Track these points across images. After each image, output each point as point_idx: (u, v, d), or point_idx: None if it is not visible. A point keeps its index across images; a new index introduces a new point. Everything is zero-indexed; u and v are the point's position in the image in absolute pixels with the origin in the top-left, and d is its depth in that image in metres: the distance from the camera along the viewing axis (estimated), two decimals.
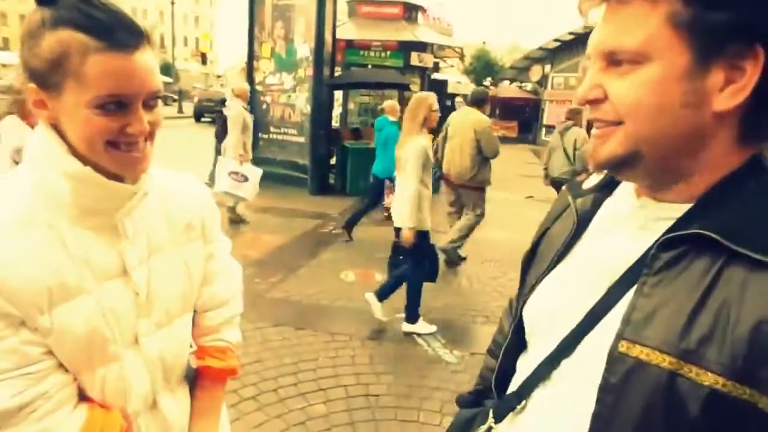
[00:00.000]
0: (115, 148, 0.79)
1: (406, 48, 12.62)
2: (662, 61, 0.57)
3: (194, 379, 1.07)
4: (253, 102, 9.31)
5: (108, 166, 0.81)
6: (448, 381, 3.23)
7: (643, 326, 0.58)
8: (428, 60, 13.57)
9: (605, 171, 0.74)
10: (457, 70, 26.12)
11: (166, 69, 33.49)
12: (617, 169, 0.67)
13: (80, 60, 0.73)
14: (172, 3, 32.52)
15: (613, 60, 0.61)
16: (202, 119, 23.34)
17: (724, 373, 0.52)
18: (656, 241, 0.61)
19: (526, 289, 0.83)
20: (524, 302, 0.81)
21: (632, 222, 0.68)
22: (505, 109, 26.55)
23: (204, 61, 37.70)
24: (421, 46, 12.94)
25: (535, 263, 0.85)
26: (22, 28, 0.77)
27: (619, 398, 0.59)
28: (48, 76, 0.75)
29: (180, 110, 29.15)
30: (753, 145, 0.61)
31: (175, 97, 32.11)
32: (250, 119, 6.37)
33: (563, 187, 0.88)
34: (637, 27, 0.58)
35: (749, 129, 0.59)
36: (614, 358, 0.59)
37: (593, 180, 0.81)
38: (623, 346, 0.59)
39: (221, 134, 6.95)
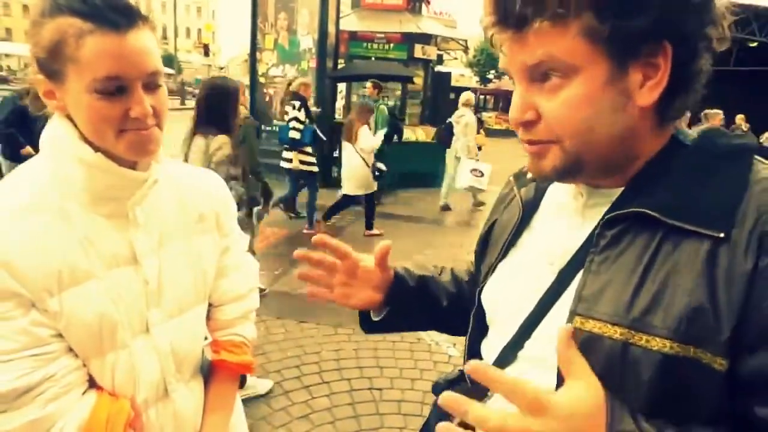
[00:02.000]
0: (125, 132, 0.80)
1: (409, 40, 12.52)
2: (586, 73, 0.60)
3: (209, 372, 1.07)
4: (255, 94, 9.30)
5: (118, 151, 0.82)
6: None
7: (593, 301, 0.62)
8: (432, 52, 13.48)
9: None
10: (461, 62, 26.00)
11: (169, 61, 33.36)
12: (560, 179, 0.70)
13: (76, 44, 0.74)
14: None
15: (539, 74, 0.62)
16: None
17: (671, 337, 0.56)
18: (599, 222, 0.65)
19: (480, 276, 0.87)
20: (480, 289, 0.84)
21: (573, 209, 0.72)
22: (509, 102, 26.44)
23: (206, 53, 37.63)
24: (425, 38, 12.85)
25: (488, 252, 0.88)
26: (29, 21, 0.79)
27: None
28: (51, 64, 0.77)
29: (183, 102, 29.08)
30: (668, 127, 0.67)
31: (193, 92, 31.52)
32: (474, 122, 7.84)
33: (510, 177, 0.91)
34: (558, 45, 0.59)
35: (664, 114, 0.64)
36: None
37: None
38: (577, 322, 0.62)
39: (447, 139, 7.87)
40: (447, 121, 8.00)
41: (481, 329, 0.85)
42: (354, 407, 2.86)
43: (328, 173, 9.08)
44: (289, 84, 6.64)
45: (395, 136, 8.09)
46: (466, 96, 7.95)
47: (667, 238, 0.60)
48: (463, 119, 7.65)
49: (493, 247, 0.86)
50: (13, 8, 56.18)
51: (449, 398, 0.57)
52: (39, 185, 0.81)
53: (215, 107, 2.79)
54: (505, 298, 0.78)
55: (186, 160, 2.73)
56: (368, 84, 7.64)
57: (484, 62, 33.52)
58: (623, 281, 0.61)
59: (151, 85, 0.80)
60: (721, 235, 0.57)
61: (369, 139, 5.93)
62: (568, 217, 0.73)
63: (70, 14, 0.74)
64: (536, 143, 0.66)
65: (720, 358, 0.55)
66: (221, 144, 2.72)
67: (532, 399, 0.55)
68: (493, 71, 32.20)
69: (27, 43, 0.79)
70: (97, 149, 0.81)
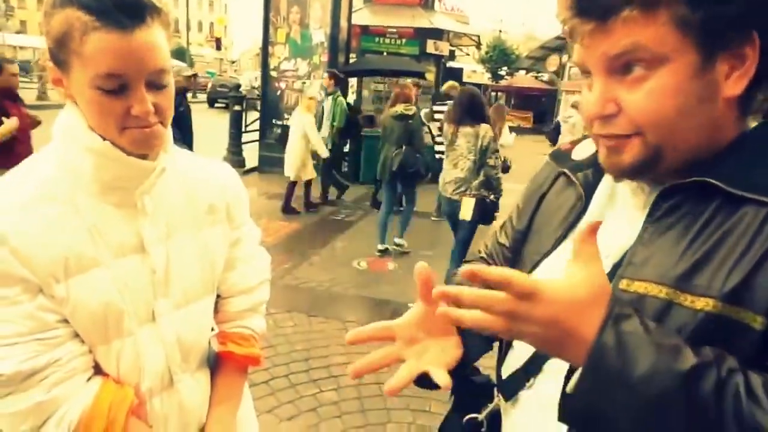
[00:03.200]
0: (127, 128, 0.80)
1: (422, 35, 12.47)
2: (674, 64, 0.59)
3: (216, 364, 1.07)
4: (267, 88, 9.31)
5: (122, 145, 0.82)
6: None
7: (641, 266, 0.62)
8: (444, 48, 13.41)
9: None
10: (473, 58, 25.87)
11: (181, 54, 33.52)
12: (634, 176, 0.68)
13: (81, 38, 0.74)
14: None
15: (620, 66, 0.61)
16: (216, 105, 23.37)
17: (717, 296, 0.56)
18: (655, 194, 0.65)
19: (525, 266, 0.82)
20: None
21: (633, 204, 0.70)
22: (521, 99, 26.31)
23: (218, 47, 37.71)
24: (437, 34, 12.79)
25: (533, 237, 0.85)
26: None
27: None
28: (58, 53, 0.77)
29: (194, 96, 29.22)
30: (745, 120, 0.65)
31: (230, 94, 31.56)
32: (581, 123, 7.93)
33: (547, 158, 0.88)
34: (646, 34, 0.58)
35: (748, 106, 0.63)
36: (614, 297, 0.61)
37: (584, 150, 0.82)
38: (623, 284, 0.63)
39: (555, 137, 8.22)
40: (555, 121, 8.41)
41: None
42: (361, 401, 2.86)
43: (338, 168, 9.09)
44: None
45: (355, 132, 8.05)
46: (574, 98, 8.67)
47: (723, 207, 0.60)
48: (571, 119, 7.92)
49: (539, 234, 0.83)
50: (27, 1, 56.74)
51: (466, 270, 0.55)
52: (49, 174, 0.81)
53: (472, 106, 4.19)
54: None
55: (454, 142, 4.16)
56: (325, 74, 7.56)
57: (496, 58, 33.31)
58: (672, 246, 0.61)
59: (155, 83, 0.80)
60: None
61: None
62: (627, 212, 0.71)
63: (78, 7, 0.73)
64: (614, 137, 0.64)
65: (761, 317, 0.55)
66: (486, 130, 4.10)
67: (521, 287, 0.53)
68: (505, 68, 32.00)
69: (42, 30, 0.79)
70: (105, 138, 0.81)
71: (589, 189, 0.77)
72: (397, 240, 5.40)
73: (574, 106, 8.23)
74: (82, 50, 0.74)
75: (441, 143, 5.72)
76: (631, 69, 0.60)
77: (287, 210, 6.56)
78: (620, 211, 0.72)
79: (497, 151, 4.21)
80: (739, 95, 0.61)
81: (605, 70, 0.62)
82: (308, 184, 6.69)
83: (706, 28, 0.57)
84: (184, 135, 5.43)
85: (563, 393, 0.59)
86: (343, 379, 3.04)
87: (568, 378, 0.59)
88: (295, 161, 6.34)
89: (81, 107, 0.81)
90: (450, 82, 7.70)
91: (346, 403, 2.83)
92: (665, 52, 0.58)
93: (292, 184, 6.54)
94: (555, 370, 0.72)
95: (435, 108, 7.14)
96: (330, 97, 7.08)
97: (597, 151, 0.77)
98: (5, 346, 0.76)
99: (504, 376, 0.82)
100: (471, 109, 4.17)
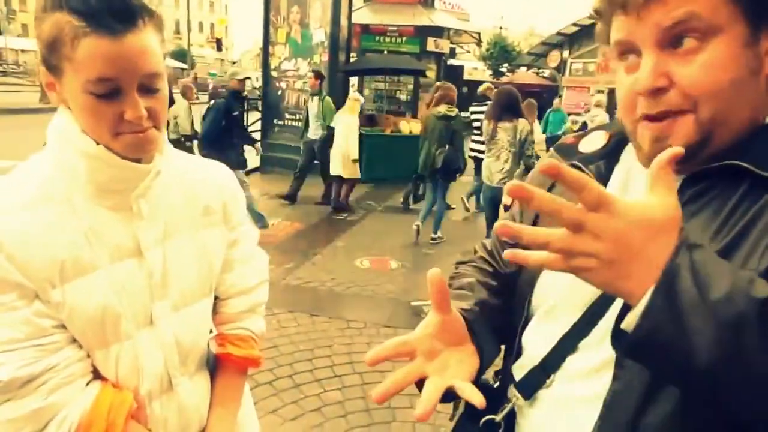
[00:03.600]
0: (120, 134, 0.80)
1: (422, 33, 12.46)
2: (725, 35, 0.58)
3: (215, 366, 1.06)
4: (268, 88, 9.31)
5: (116, 149, 0.81)
6: None
7: None
8: (445, 46, 13.40)
9: (614, 144, 0.76)
10: (474, 55, 25.82)
11: (182, 55, 33.53)
12: (686, 159, 0.61)
13: (72, 43, 0.73)
14: None
15: (672, 38, 0.60)
16: None
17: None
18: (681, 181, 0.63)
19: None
20: (533, 276, 0.79)
21: None
22: (522, 96, 26.19)
23: (219, 47, 37.71)
24: (438, 32, 12.78)
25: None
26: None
27: None
28: (50, 58, 0.76)
29: (197, 96, 29.21)
30: None
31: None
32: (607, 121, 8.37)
33: (551, 150, 0.85)
34: (699, 5, 0.58)
35: None
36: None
37: (592, 143, 0.79)
38: None
39: None
40: (582, 122, 8.90)
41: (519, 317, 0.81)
42: (366, 401, 2.85)
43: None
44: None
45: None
46: (597, 97, 9.12)
47: (752, 192, 0.58)
48: (597, 119, 8.21)
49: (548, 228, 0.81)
50: (29, 4, 56.83)
51: (500, 227, 0.51)
52: (45, 178, 0.81)
53: (510, 103, 4.69)
54: (566, 285, 0.72)
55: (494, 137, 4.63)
56: (310, 74, 7.72)
57: (497, 55, 33.24)
58: (701, 232, 0.59)
59: (148, 87, 0.79)
60: None
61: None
62: None
63: (69, 11, 0.72)
64: (663, 117, 0.62)
65: None
66: (524, 124, 4.70)
67: (596, 193, 0.48)
68: (506, 64, 31.93)
69: (35, 33, 0.78)
70: (99, 142, 0.81)
71: (602, 181, 0.74)
72: (433, 234, 5.74)
73: (598, 105, 8.47)
74: (73, 55, 0.73)
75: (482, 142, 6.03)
76: (682, 41, 0.59)
77: (339, 207, 6.78)
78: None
79: (534, 142, 4.75)
80: None
81: (657, 43, 0.61)
82: (351, 184, 6.86)
83: (754, 1, 0.58)
84: (242, 138, 5.63)
85: (616, 329, 0.54)
86: (347, 379, 3.04)
87: (620, 317, 0.54)
88: (342, 160, 6.58)
89: (74, 112, 0.80)
90: (485, 84, 8.18)
91: (351, 402, 2.83)
92: (719, 22, 0.58)
93: (339, 182, 6.73)
94: (576, 369, 0.71)
95: (473, 109, 7.37)
96: (316, 98, 7.05)
97: (610, 143, 0.77)
98: (1, 353, 0.75)
99: (517, 376, 0.81)
100: (509, 106, 4.76)
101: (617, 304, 0.62)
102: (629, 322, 0.52)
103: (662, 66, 0.61)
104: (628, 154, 0.74)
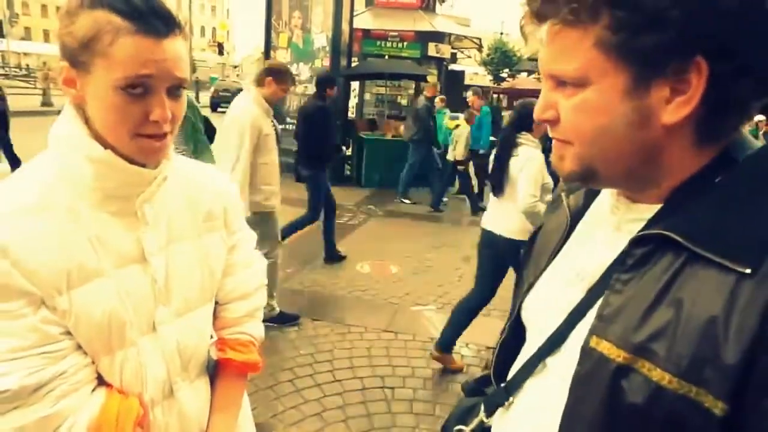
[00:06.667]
0: (140, 136, 0.80)
1: (423, 38, 12.50)
2: (600, 84, 0.57)
3: (215, 371, 1.07)
4: None
5: (130, 152, 0.82)
6: (464, 374, 3.22)
7: (610, 321, 0.59)
8: (446, 51, 13.43)
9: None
10: (475, 61, 25.87)
11: None
12: (581, 183, 0.69)
13: (111, 40, 0.74)
14: None
15: (559, 81, 0.61)
16: (219, 109, 23.44)
17: (673, 371, 0.52)
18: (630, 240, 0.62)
19: (524, 286, 0.83)
20: (522, 300, 0.82)
21: (610, 224, 0.69)
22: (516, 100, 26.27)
23: (221, 52, 37.81)
24: (439, 37, 12.82)
25: (532, 260, 0.86)
26: (62, 7, 0.79)
27: (586, 391, 0.60)
28: (79, 54, 0.76)
29: (197, 100, 29.30)
30: (714, 144, 0.60)
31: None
32: None
33: (560, 181, 0.87)
34: (572, 53, 0.58)
35: (705, 133, 0.59)
36: (585, 351, 0.60)
37: None
38: (593, 341, 0.60)
39: None
40: None
41: (516, 338, 0.83)
42: (366, 406, 2.85)
43: (340, 171, 9.10)
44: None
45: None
46: None
47: (689, 265, 0.55)
48: None
49: (537, 255, 0.84)
50: (31, 8, 57.01)
51: None
52: (48, 183, 0.80)
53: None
54: (541, 310, 0.76)
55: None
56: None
57: (498, 60, 33.33)
58: (638, 303, 0.57)
59: (174, 91, 0.81)
60: (748, 271, 0.50)
61: None
62: (604, 231, 0.69)
63: (110, 10, 0.74)
64: (557, 141, 0.65)
65: (722, 402, 0.49)
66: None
67: None
68: (506, 70, 31.99)
69: (59, 27, 0.78)
70: (106, 146, 0.81)
71: (578, 211, 0.77)
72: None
73: None
74: (110, 52, 0.74)
75: None
76: (564, 83, 0.60)
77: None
78: (598, 231, 0.71)
79: None
80: (692, 121, 0.57)
81: (550, 79, 0.63)
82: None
83: (633, 53, 0.55)
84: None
85: None
86: (347, 383, 3.04)
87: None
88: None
89: (93, 109, 0.80)
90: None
91: (351, 407, 2.83)
92: (589, 76, 0.57)
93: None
94: (529, 392, 0.74)
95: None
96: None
97: None
98: (10, 361, 0.75)
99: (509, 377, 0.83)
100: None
101: (579, 329, 0.65)
102: None
103: (551, 99, 0.63)
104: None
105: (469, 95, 8.58)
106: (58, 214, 0.79)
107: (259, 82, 3.41)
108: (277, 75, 3.42)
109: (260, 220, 3.35)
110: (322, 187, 4.87)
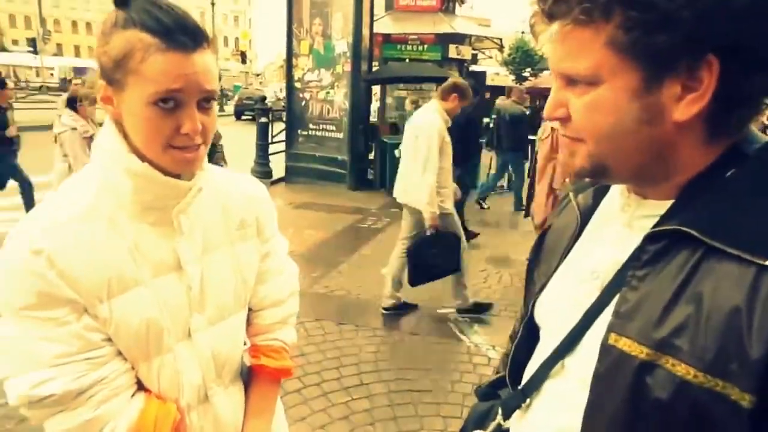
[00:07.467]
0: (172, 148, 0.83)
1: (443, 41, 12.46)
2: (612, 83, 0.58)
3: (248, 377, 1.09)
4: (292, 99, 9.44)
5: (164, 164, 0.84)
6: (491, 377, 3.19)
7: (628, 318, 0.59)
8: (466, 52, 13.37)
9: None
10: (496, 61, 25.67)
11: None
12: (592, 179, 0.70)
13: (142, 57, 0.77)
14: (213, 3, 33.30)
15: (569, 80, 0.62)
16: (243, 117, 23.80)
17: (697, 365, 0.52)
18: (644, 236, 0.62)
19: (535, 286, 0.83)
20: (535, 300, 0.82)
21: (622, 221, 0.69)
22: (545, 100, 25.92)
23: (243, 60, 38.43)
24: (459, 38, 12.76)
25: (542, 260, 0.86)
26: (99, 29, 0.82)
27: (607, 388, 0.60)
28: (114, 72, 0.80)
29: (221, 109, 29.83)
30: (725, 140, 0.60)
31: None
32: None
33: (567, 181, 0.88)
34: (584, 52, 0.58)
35: (716, 128, 0.59)
36: (605, 349, 0.61)
37: None
38: (612, 338, 0.60)
39: None
40: None
41: (531, 339, 0.83)
42: (393, 409, 2.85)
43: (363, 175, 9.14)
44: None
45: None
46: None
47: (706, 260, 0.55)
48: None
49: (548, 255, 0.84)
50: (63, 25, 58.94)
51: None
52: (91, 194, 0.84)
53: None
54: (555, 310, 0.76)
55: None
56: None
57: (520, 60, 33.00)
58: (656, 299, 0.57)
59: (204, 104, 0.83)
60: (767, 263, 0.50)
61: None
62: (616, 229, 0.70)
63: (142, 29, 0.77)
64: (568, 139, 0.65)
65: (749, 394, 0.49)
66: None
67: None
68: (528, 69, 31.66)
69: (96, 47, 0.82)
70: (143, 159, 0.84)
71: (588, 209, 0.78)
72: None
73: None
74: (142, 69, 0.77)
75: None
76: (575, 81, 0.61)
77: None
78: (610, 228, 0.71)
79: None
80: (704, 117, 0.57)
81: (560, 77, 0.63)
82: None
83: (644, 52, 0.55)
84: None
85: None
86: (374, 387, 3.04)
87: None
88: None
89: (128, 124, 0.83)
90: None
91: (378, 410, 2.83)
92: (600, 75, 0.58)
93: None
94: (547, 392, 0.74)
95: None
96: None
97: None
98: (56, 366, 0.78)
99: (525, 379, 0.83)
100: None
101: (595, 327, 0.65)
102: None
103: (562, 97, 0.64)
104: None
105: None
106: (101, 225, 0.82)
107: (444, 96, 3.84)
108: (461, 93, 3.83)
109: (440, 221, 3.70)
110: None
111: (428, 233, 3.71)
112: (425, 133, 3.69)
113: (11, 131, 5.61)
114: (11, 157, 5.71)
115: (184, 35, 0.78)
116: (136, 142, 0.83)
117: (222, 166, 5.38)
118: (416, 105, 8.82)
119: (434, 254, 3.75)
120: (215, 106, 0.87)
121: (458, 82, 3.99)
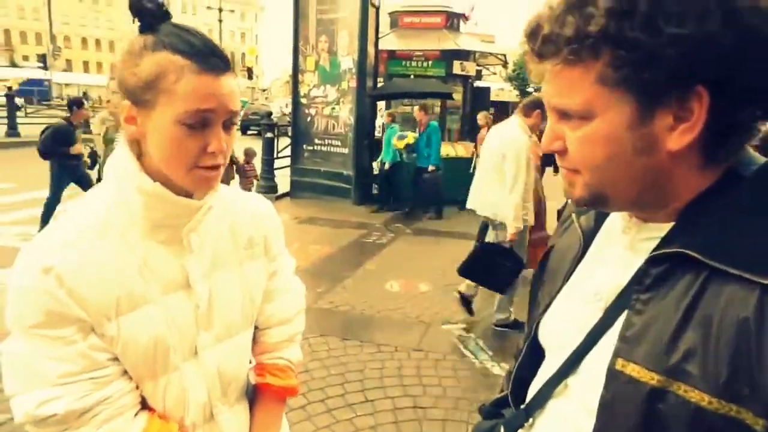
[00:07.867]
0: (197, 168, 0.84)
1: (448, 57, 12.55)
2: (605, 116, 0.59)
3: (253, 396, 1.09)
4: (297, 114, 9.52)
5: (185, 183, 0.85)
6: (496, 394, 3.16)
7: (635, 343, 0.59)
8: (471, 68, 13.45)
9: None
10: (500, 77, 25.83)
11: None
12: (591, 207, 0.71)
13: (176, 78, 0.79)
14: (220, 21, 33.80)
15: (563, 114, 0.63)
16: (249, 132, 23.99)
17: (711, 391, 0.52)
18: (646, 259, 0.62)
19: (539, 307, 0.84)
20: (538, 321, 0.82)
21: (624, 243, 0.70)
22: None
23: (250, 76, 38.81)
24: (464, 55, 12.86)
25: (546, 280, 0.86)
26: (123, 51, 0.84)
27: (615, 415, 0.59)
28: (143, 93, 0.81)
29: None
30: (721, 164, 0.61)
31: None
32: None
33: (568, 200, 0.88)
34: (575, 89, 0.60)
35: (710, 155, 0.60)
36: (612, 374, 0.60)
37: None
38: (619, 364, 0.60)
39: None
40: None
41: (535, 358, 0.84)
42: (398, 425, 2.83)
43: (367, 190, 9.16)
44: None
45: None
46: None
47: (711, 282, 0.55)
48: None
49: (551, 275, 0.84)
50: (73, 41, 59.87)
51: None
52: (105, 210, 0.85)
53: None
54: (559, 331, 0.76)
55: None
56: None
57: (524, 76, 33.17)
58: (664, 324, 0.57)
59: (228, 124, 0.85)
60: None
61: None
62: (618, 251, 0.70)
63: (173, 52, 0.79)
64: (567, 170, 0.67)
65: (763, 419, 0.49)
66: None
67: None
68: (533, 85, 31.81)
69: (120, 69, 0.83)
70: (156, 178, 0.85)
71: (591, 231, 0.79)
72: None
73: None
74: (174, 89, 0.79)
75: None
76: (569, 115, 0.62)
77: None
78: (612, 250, 0.72)
79: None
80: (697, 145, 0.58)
81: (555, 112, 0.65)
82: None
83: (635, 86, 0.56)
84: None
85: None
86: (379, 403, 3.02)
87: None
88: None
89: (153, 143, 0.83)
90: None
91: (383, 427, 2.81)
92: (594, 110, 0.59)
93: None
94: (550, 413, 0.74)
95: None
96: None
97: None
98: (60, 386, 0.78)
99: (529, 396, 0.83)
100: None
101: (598, 348, 0.65)
102: None
103: (558, 130, 0.65)
104: None
105: (416, 111, 8.55)
106: (113, 242, 0.83)
107: (527, 112, 3.89)
108: (544, 109, 3.77)
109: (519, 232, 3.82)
110: None
111: (507, 245, 3.80)
112: (513, 150, 3.73)
113: (77, 149, 6.03)
114: (81, 168, 6.22)
115: (215, 57, 0.82)
116: (159, 161, 0.84)
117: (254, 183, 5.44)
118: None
119: (497, 264, 3.80)
120: (236, 128, 0.89)
121: (540, 98, 3.99)
